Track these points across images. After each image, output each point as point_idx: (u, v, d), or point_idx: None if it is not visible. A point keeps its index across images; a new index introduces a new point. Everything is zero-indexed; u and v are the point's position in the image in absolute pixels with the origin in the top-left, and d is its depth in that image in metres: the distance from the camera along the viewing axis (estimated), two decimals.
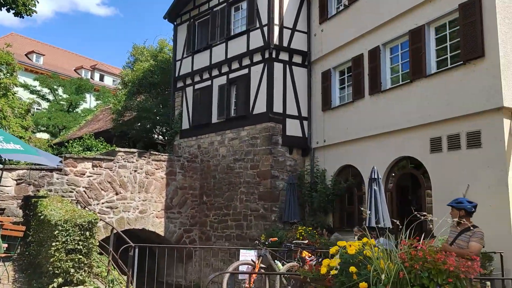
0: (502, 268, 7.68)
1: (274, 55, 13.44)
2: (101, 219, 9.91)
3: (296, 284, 3.97)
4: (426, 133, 10.01)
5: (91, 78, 39.93)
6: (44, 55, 38.22)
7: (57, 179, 11.87)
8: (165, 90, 18.85)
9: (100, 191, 12.76)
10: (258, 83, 13.54)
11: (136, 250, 7.26)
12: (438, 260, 2.52)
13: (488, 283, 7.27)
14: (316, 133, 13.47)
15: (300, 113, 13.73)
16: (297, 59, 13.91)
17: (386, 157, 10.94)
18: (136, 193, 13.64)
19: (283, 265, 7.34)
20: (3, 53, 15.62)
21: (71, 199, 11.48)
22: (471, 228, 4.95)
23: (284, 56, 13.68)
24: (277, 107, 13.34)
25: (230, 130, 14.30)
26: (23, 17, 10.80)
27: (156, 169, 14.32)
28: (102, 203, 12.77)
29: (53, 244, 6.84)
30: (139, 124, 17.86)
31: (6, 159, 10.96)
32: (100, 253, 8.78)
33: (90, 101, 33.52)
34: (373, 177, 9.49)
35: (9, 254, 8.18)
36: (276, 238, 9.22)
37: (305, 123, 13.73)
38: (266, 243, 7.46)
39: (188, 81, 16.30)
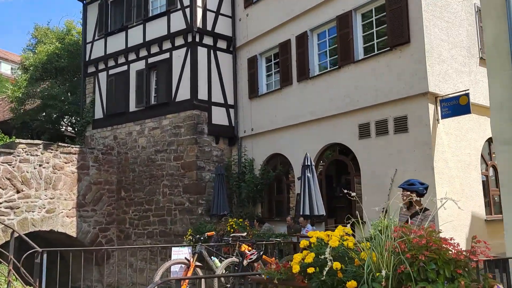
0: None
1: (197, 39, 12.64)
2: None
3: (253, 285, 3.38)
4: (355, 119, 10.01)
5: None
6: None
7: None
8: (74, 76, 17.04)
9: None
10: (181, 69, 12.65)
11: (45, 256, 6.21)
12: (443, 249, 2.10)
13: None
14: (243, 121, 12.97)
15: (226, 100, 13.12)
16: (222, 44, 13.25)
17: (315, 145, 10.81)
18: (42, 190, 12.05)
19: (220, 261, 6.72)
20: None
21: None
22: (422, 211, 4.77)
23: (208, 40, 12.94)
24: (202, 94, 12.58)
25: (151, 119, 13.24)
26: None
27: (66, 162, 12.79)
28: (0, 203, 11.07)
29: None
30: (44, 113, 15.95)
31: None
32: None
33: None
34: (306, 163, 9.26)
35: None
36: (213, 232, 8.57)
37: (232, 111, 13.16)
38: (202, 238, 6.77)
39: (101, 66, 14.81)
